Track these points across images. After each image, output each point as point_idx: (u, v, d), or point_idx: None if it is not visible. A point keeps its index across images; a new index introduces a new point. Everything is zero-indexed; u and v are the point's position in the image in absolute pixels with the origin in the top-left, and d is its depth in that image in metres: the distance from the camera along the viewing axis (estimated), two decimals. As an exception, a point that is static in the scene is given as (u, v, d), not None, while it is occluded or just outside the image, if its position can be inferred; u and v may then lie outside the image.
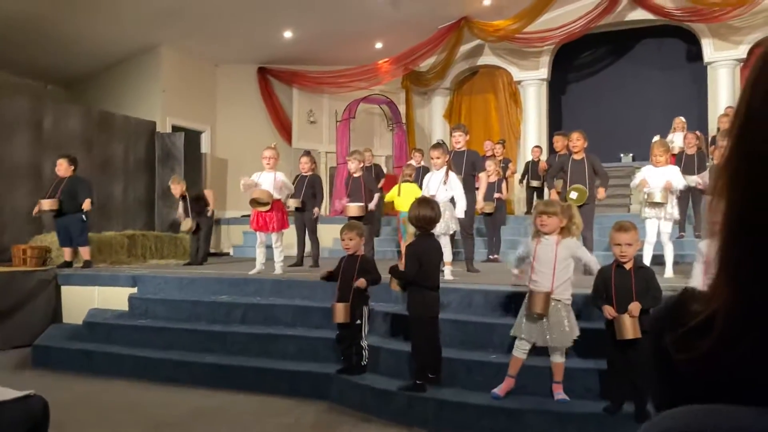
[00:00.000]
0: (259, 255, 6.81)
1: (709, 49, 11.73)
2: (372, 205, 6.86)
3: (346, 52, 12.18)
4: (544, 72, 12.87)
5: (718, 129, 10.02)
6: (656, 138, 8.85)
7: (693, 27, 11.70)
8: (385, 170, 12.87)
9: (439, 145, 6.21)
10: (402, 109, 13.28)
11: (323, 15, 10.66)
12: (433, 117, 13.74)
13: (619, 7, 11.75)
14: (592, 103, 13.39)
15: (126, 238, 8.76)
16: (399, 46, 12.11)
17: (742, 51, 11.53)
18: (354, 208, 6.60)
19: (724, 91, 11.54)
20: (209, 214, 8.38)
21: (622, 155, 12.88)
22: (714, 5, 10.39)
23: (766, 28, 11.19)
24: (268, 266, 6.78)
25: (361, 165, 7.01)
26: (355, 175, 6.91)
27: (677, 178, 5.93)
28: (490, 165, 8.14)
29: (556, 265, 3.85)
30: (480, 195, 7.05)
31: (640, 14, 11.72)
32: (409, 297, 4.22)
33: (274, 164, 6.77)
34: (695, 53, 12.20)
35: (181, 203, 8.29)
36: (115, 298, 6.50)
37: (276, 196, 6.66)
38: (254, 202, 6.57)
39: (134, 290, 6.52)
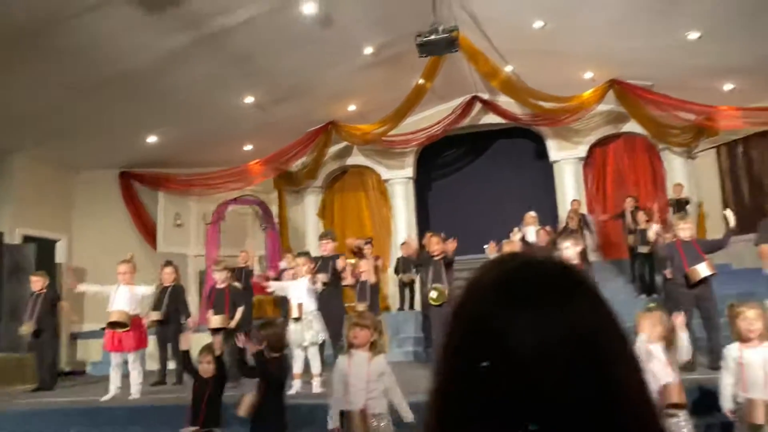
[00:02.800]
0: (114, 377, 6.33)
1: (554, 149, 12.92)
2: (235, 320, 6.60)
3: (215, 154, 12.14)
4: (409, 171, 13.51)
5: (567, 221, 10.91)
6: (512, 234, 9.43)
7: (539, 129, 12.89)
8: (258, 271, 12.70)
9: (304, 253, 6.25)
10: (275, 209, 13.30)
11: (189, 118, 10.63)
12: (307, 215, 13.84)
13: (473, 112, 12.74)
14: (455, 199, 14.11)
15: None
16: (269, 147, 12.26)
17: (582, 150, 12.80)
18: (216, 321, 6.37)
19: (569, 187, 12.65)
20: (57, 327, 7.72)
21: (485, 247, 13.53)
22: (553, 111, 11.52)
23: (603, 129, 12.56)
24: (126, 388, 6.32)
25: (229, 275, 6.86)
26: (220, 286, 6.73)
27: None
28: (364, 264, 8.23)
29: (369, 384, 3.74)
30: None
31: (492, 118, 12.75)
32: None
33: (129, 278, 6.46)
34: (543, 152, 13.36)
35: (31, 302, 7.57)
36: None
37: (134, 311, 6.32)
38: (112, 325, 6.18)
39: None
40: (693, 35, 8.96)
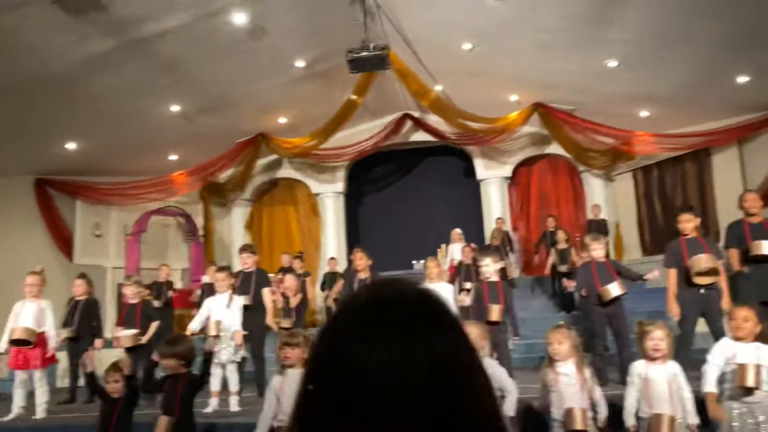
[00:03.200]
0: (18, 396, 5.97)
1: (481, 168, 13.23)
2: (146, 337, 6.32)
3: (138, 164, 11.75)
4: (340, 185, 13.51)
5: (492, 238, 11.17)
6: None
7: (467, 148, 13.17)
8: (180, 285, 12.34)
9: (224, 267, 6.10)
10: (200, 221, 12.98)
11: (112, 125, 10.23)
12: (234, 228, 13.59)
13: (404, 129, 12.89)
14: (385, 214, 14.21)
15: None
16: (195, 158, 11.98)
17: (507, 170, 13.17)
18: (126, 339, 6.09)
19: (495, 205, 12.97)
20: None
21: (414, 262, 13.69)
22: (480, 132, 11.80)
23: (528, 150, 12.96)
24: (32, 407, 5.96)
25: (141, 290, 6.60)
26: (132, 301, 6.46)
27: (448, 294, 6.41)
28: (290, 280, 8.09)
29: None
30: (269, 316, 6.82)
31: (423, 135, 12.93)
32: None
33: (38, 292, 6.12)
34: (471, 171, 13.64)
35: None
36: None
37: (41, 328, 5.98)
38: (14, 342, 5.82)
39: None
40: (612, 63, 9.39)
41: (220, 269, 6.03)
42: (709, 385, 3.84)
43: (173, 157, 12.11)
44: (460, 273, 9.29)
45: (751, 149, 10.84)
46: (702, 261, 5.37)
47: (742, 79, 9.35)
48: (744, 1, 7.33)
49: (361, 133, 12.74)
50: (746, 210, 5.73)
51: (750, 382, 3.66)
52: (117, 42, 7.98)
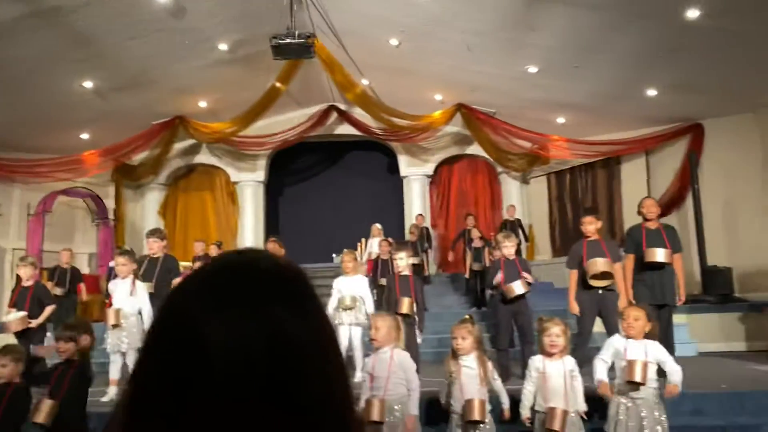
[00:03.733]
0: None
1: (404, 164, 13.35)
2: (38, 321, 5.96)
3: (45, 140, 11.11)
4: (261, 174, 13.28)
5: (410, 233, 11.28)
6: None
7: (391, 144, 13.24)
8: (87, 269, 11.79)
9: (126, 252, 5.84)
10: (111, 203, 12.43)
11: (17, 98, 9.59)
12: (147, 213, 13.08)
13: (329, 121, 12.80)
14: (307, 206, 14.08)
15: None
16: (108, 138, 11.44)
17: (429, 168, 13.35)
18: (16, 322, 5.73)
19: (416, 202, 13.13)
20: None
21: (334, 255, 13.64)
22: (404, 129, 11.89)
23: (450, 149, 13.18)
24: None
25: (37, 272, 6.22)
26: (25, 284, 6.08)
27: (364, 287, 6.41)
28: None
29: None
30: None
31: (348, 129, 12.89)
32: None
33: None
34: (394, 167, 13.73)
35: None
36: None
37: None
38: None
39: None
40: (533, 69, 9.67)
41: (122, 253, 5.77)
42: (599, 374, 4.06)
43: (84, 136, 11.53)
44: (378, 267, 9.33)
45: (657, 159, 11.46)
46: (597, 265, 5.61)
47: (651, 93, 9.85)
48: (654, 16, 7.71)
49: (285, 123, 12.55)
50: (644, 215, 6.04)
51: (638, 377, 3.86)
52: (26, 8, 7.51)
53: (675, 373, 3.98)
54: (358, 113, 12.29)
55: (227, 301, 0.62)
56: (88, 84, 9.73)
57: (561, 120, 11.48)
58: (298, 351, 0.61)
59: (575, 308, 5.80)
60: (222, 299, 0.62)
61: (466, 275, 10.36)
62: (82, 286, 9.28)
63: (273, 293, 0.64)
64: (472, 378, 3.96)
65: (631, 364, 3.91)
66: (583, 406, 4.00)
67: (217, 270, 0.67)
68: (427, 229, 12.00)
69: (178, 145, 12.58)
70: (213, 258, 0.71)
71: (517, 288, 5.81)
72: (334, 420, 0.62)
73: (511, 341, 6.36)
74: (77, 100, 10.11)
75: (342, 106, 12.58)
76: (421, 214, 12.37)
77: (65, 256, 9.23)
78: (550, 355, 4.07)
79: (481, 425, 3.89)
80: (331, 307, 6.28)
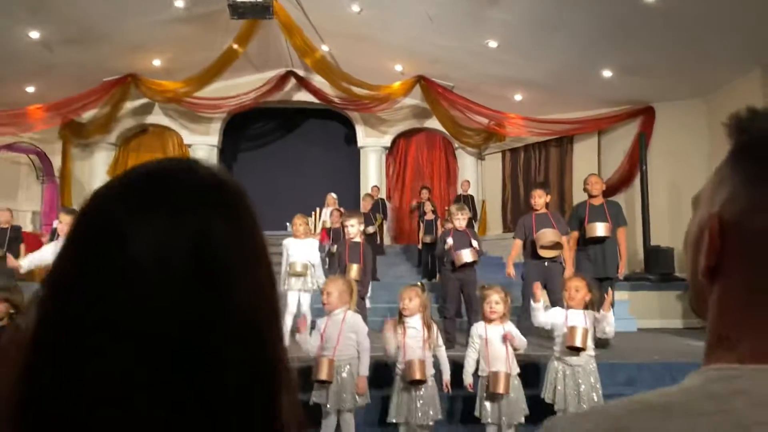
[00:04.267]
0: None
1: (362, 135, 13.28)
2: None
3: (-13, 92, 10.63)
4: (215, 138, 13.02)
5: (363, 202, 11.29)
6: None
7: (350, 114, 13.14)
8: (31, 228, 11.42)
9: (72, 211, 5.67)
10: (57, 161, 12.01)
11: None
12: (95, 172, 12.67)
13: (287, 87, 12.59)
14: (262, 173, 13.87)
15: None
16: (56, 93, 10.98)
17: (387, 140, 13.32)
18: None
19: (373, 173, 13.11)
20: None
21: (288, 224, 13.53)
22: (363, 98, 11.80)
23: (408, 122, 13.17)
24: None
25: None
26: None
27: (314, 252, 6.42)
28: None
29: None
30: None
31: (306, 96, 12.71)
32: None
33: None
34: (352, 137, 13.65)
35: None
36: None
37: None
38: None
39: None
40: (492, 44, 9.69)
41: (68, 213, 5.60)
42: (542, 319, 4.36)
43: (30, 89, 11.06)
44: (330, 237, 9.33)
45: (608, 140, 11.70)
46: (547, 235, 5.75)
47: (606, 74, 10.01)
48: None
49: (242, 86, 12.28)
50: (588, 192, 6.21)
51: (578, 341, 4.01)
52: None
53: (611, 325, 4.16)
54: (317, 81, 12.11)
55: (154, 202, 0.59)
56: (34, 34, 9.31)
57: (518, 97, 11.57)
58: (225, 258, 0.59)
59: (512, 272, 6.07)
60: (148, 200, 0.59)
61: (419, 246, 10.46)
62: (23, 247, 8.96)
63: (205, 196, 0.61)
64: (415, 339, 4.02)
65: (572, 330, 4.04)
66: (516, 369, 4.14)
67: (150, 171, 0.62)
68: (382, 200, 12.02)
69: (130, 104, 12.20)
70: (151, 161, 0.65)
71: (466, 256, 5.90)
72: (257, 327, 0.60)
73: (458, 312, 6.48)
74: (22, 51, 9.67)
75: (301, 73, 12.38)
76: (376, 186, 12.37)
77: (4, 216, 8.83)
78: (490, 321, 4.17)
79: (423, 386, 3.96)
80: (282, 270, 6.30)
